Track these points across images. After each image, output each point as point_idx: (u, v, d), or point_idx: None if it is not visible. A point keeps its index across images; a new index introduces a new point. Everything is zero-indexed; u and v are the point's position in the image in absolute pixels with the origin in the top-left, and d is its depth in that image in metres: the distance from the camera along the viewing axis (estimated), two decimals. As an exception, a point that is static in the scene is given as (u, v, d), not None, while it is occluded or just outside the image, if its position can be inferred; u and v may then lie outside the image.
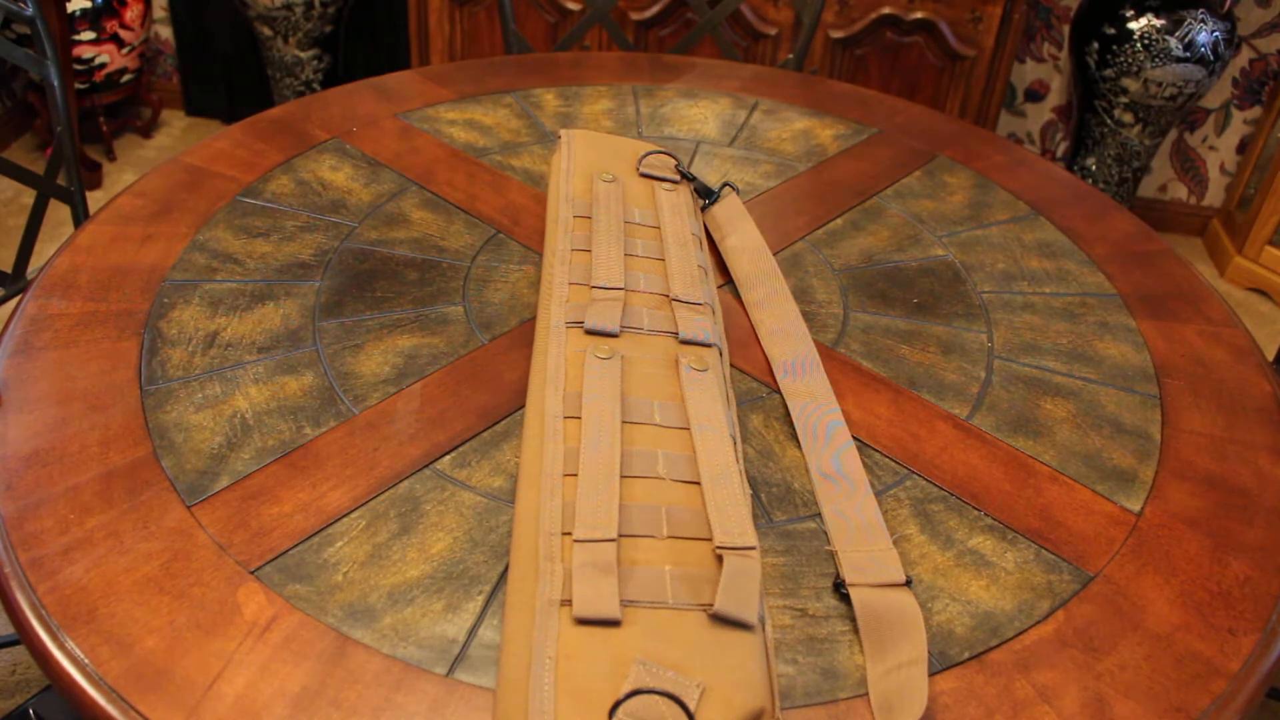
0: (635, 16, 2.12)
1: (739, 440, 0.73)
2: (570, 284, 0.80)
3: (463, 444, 0.73)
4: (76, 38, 2.31)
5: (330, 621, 0.60)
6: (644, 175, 0.95)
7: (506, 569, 0.64)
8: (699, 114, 1.20)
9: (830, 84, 1.30)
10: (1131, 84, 2.12)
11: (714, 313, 0.82)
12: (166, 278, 0.86)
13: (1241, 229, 2.39)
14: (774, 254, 0.97)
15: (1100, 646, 0.62)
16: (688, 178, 0.97)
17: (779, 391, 0.80)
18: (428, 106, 1.17)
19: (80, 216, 1.21)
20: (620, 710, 0.51)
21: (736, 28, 2.10)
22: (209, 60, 2.65)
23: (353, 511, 0.67)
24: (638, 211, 0.90)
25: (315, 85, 2.44)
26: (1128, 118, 2.19)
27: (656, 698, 0.51)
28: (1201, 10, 2.06)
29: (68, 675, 0.56)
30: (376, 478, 0.70)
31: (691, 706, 0.52)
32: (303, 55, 2.38)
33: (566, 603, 0.56)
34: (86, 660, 0.57)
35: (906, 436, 0.77)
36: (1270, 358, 1.82)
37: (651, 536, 0.60)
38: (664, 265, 0.85)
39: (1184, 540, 0.70)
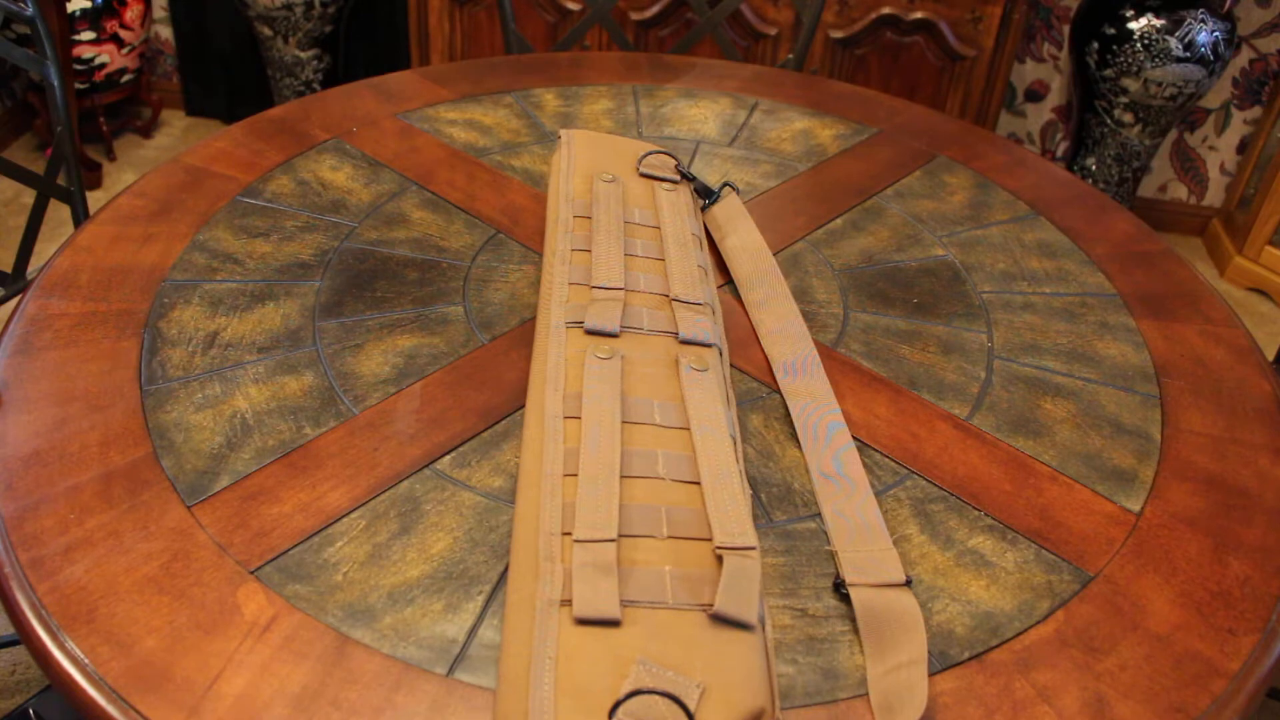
0: (635, 16, 2.12)
1: (739, 440, 0.73)
2: (570, 284, 0.80)
3: (463, 444, 0.73)
4: (76, 38, 2.31)
5: (330, 621, 0.60)
6: (644, 175, 0.95)
7: (506, 569, 0.64)
8: (699, 114, 1.20)
9: (830, 84, 1.30)
10: (1131, 84, 2.12)
11: (714, 313, 0.82)
12: (166, 278, 0.86)
13: (1241, 229, 2.39)
14: (774, 254, 0.97)
15: (1100, 646, 0.62)
16: (688, 178, 0.97)
17: (779, 391, 0.80)
18: (428, 106, 1.17)
19: (80, 216, 1.21)
20: (620, 710, 0.51)
21: (736, 28, 2.10)
22: (209, 60, 2.65)
23: (353, 511, 0.67)
24: (638, 211, 0.90)
25: (315, 85, 2.44)
26: (1128, 118, 2.19)
27: (656, 698, 0.51)
28: (1201, 10, 2.06)
29: (68, 675, 0.56)
30: (376, 478, 0.70)
31: (691, 706, 0.52)
32: (303, 55, 2.38)
33: (566, 603, 0.56)
34: (86, 660, 0.57)
35: (906, 436, 0.77)
36: (1270, 358, 1.82)
37: (651, 536, 0.60)
38: (664, 265, 0.85)
39: (1184, 540, 0.70)
